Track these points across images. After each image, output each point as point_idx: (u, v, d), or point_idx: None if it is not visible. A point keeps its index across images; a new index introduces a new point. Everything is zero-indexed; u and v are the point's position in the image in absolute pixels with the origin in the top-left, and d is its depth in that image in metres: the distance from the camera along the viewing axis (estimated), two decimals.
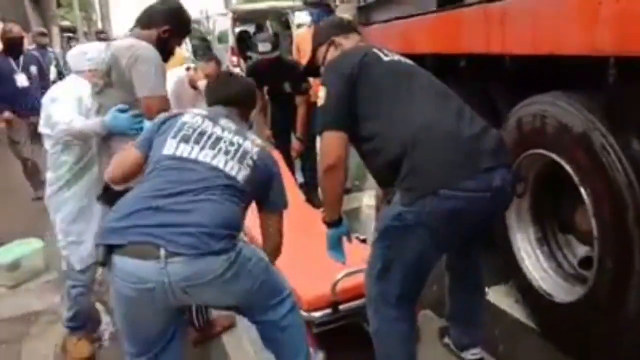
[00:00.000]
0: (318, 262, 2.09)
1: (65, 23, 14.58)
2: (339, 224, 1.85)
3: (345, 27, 2.00)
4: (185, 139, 1.61)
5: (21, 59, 4.61)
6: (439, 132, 1.61)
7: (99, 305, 3.11)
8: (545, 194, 2.35)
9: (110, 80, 2.01)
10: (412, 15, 3.24)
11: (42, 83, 4.75)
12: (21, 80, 4.55)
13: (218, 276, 1.46)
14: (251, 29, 10.11)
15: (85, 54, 2.33)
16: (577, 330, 2.06)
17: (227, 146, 1.63)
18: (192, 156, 1.58)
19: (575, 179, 1.93)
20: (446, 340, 2.20)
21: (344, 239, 1.90)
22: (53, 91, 2.36)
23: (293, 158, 4.03)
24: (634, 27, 1.58)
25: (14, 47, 4.58)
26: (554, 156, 2.04)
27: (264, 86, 3.98)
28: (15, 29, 4.71)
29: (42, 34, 7.23)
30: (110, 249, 1.43)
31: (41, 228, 3.82)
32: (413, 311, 1.84)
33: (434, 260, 1.73)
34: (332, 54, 1.94)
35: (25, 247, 3.11)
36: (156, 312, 1.51)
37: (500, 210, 1.82)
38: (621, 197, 1.75)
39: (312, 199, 3.57)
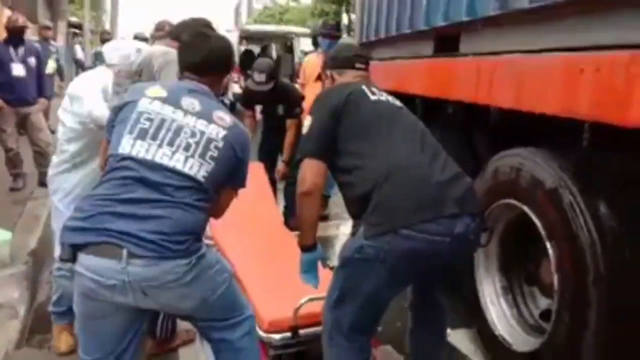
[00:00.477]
0: (285, 284, 2.09)
1: (74, 19, 14.64)
2: (314, 249, 1.87)
3: (342, 64, 2.04)
4: (142, 136, 1.54)
5: (21, 49, 4.62)
6: (409, 173, 1.66)
7: None
8: (514, 244, 2.40)
9: (140, 80, 2.07)
10: (408, 58, 3.34)
11: (39, 76, 4.75)
12: (17, 69, 4.54)
13: (178, 279, 1.47)
14: (257, 49, 10.26)
15: (118, 49, 2.36)
16: None
17: (187, 138, 1.55)
18: (149, 157, 1.52)
19: (542, 232, 1.99)
20: None
21: (319, 263, 1.92)
22: (85, 82, 2.39)
23: (277, 180, 4.06)
24: (609, 97, 1.66)
25: (15, 36, 4.60)
26: (525, 208, 2.10)
27: (256, 105, 4.04)
28: (21, 19, 4.75)
29: (47, 28, 7.29)
30: (76, 248, 1.45)
31: (12, 219, 3.78)
32: (366, 344, 1.83)
33: (389, 296, 1.74)
34: (327, 85, 2.04)
35: None
36: (114, 312, 1.50)
37: (461, 257, 1.84)
38: (583, 255, 1.80)
39: (289, 224, 3.58)
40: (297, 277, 1.92)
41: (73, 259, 1.46)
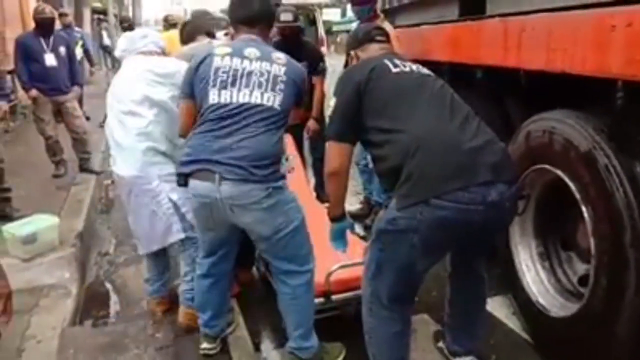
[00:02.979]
0: (317, 253, 2.16)
1: (97, 5, 14.81)
2: (342, 219, 1.98)
3: (362, 40, 2.06)
4: (224, 86, 1.93)
5: (51, 39, 4.71)
6: (437, 141, 1.64)
7: (107, 284, 3.23)
8: (549, 209, 2.37)
9: None
10: (433, 23, 3.27)
11: (70, 64, 4.86)
12: (50, 59, 4.65)
13: (257, 202, 1.86)
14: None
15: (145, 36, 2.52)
16: (570, 345, 2.08)
17: (258, 78, 1.93)
18: (234, 100, 1.91)
19: (578, 196, 1.96)
20: (440, 344, 2.23)
21: (348, 232, 2.03)
22: (170, 61, 2.44)
23: (307, 136, 4.00)
24: None
25: (45, 27, 4.69)
26: (559, 172, 2.07)
27: None
28: (47, 10, 4.83)
29: (64, 15, 7.37)
30: (186, 176, 1.93)
31: (57, 205, 3.96)
32: (406, 313, 1.88)
33: (425, 266, 1.76)
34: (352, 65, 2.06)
35: (42, 222, 3.20)
36: (216, 222, 2.01)
37: (497, 225, 1.80)
38: (620, 217, 1.77)
39: (320, 198, 3.61)
40: (328, 245, 2.03)
41: (185, 184, 1.94)
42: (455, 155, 1.62)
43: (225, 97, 1.92)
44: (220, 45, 2.08)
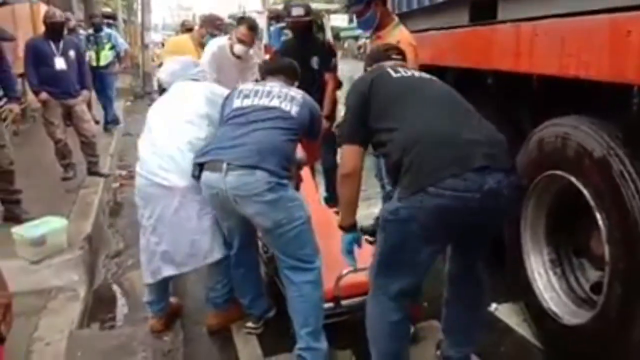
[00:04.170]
0: (326, 257, 2.18)
1: (107, 10, 14.94)
2: (353, 230, 1.99)
3: (378, 58, 2.18)
4: (246, 95, 2.24)
5: (61, 43, 4.74)
6: (437, 134, 1.70)
7: (115, 287, 3.23)
8: (562, 215, 2.35)
9: None
10: (444, 28, 3.26)
11: (79, 68, 4.89)
12: (60, 63, 4.66)
13: (258, 194, 1.97)
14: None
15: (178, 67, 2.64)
16: (582, 353, 2.05)
17: (277, 94, 2.21)
18: (254, 103, 2.19)
19: (592, 203, 1.94)
20: (438, 352, 2.21)
21: (356, 246, 2.02)
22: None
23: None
24: None
25: (55, 30, 4.72)
26: (573, 179, 2.05)
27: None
28: (58, 14, 4.86)
29: (67, 19, 7.38)
30: (201, 167, 2.11)
31: (66, 207, 3.97)
32: (406, 304, 1.87)
33: (428, 256, 1.76)
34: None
35: (51, 225, 3.21)
36: (227, 213, 2.18)
37: (496, 214, 1.76)
38: (635, 225, 1.75)
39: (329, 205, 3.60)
40: (337, 250, 2.03)
41: (198, 177, 2.13)
42: (452, 147, 1.66)
43: (247, 102, 2.21)
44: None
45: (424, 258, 1.76)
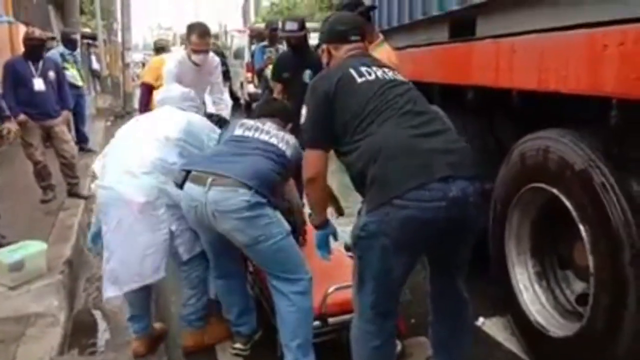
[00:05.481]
0: (313, 275, 2.14)
1: (87, 30, 14.87)
2: (325, 226, 2.01)
3: (335, 38, 2.03)
4: (248, 128, 2.31)
5: (40, 63, 4.69)
6: (398, 146, 1.68)
7: (96, 312, 3.15)
8: (545, 228, 2.37)
9: None
10: (425, 45, 3.31)
11: (59, 89, 4.82)
12: (38, 84, 4.60)
13: (237, 210, 1.99)
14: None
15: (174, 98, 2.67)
16: None
17: (275, 134, 2.28)
18: (255, 136, 2.26)
19: (575, 215, 1.96)
20: None
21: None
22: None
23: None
24: (635, 71, 1.62)
25: (34, 51, 4.67)
26: (555, 191, 2.07)
27: (284, 73, 3.93)
28: (37, 33, 4.81)
29: (49, 39, 7.30)
30: (184, 179, 2.11)
31: (46, 230, 3.88)
32: (386, 327, 1.83)
33: (401, 270, 1.73)
34: (324, 59, 2.08)
35: (30, 249, 3.12)
36: (204, 226, 2.15)
37: (465, 223, 1.72)
38: (618, 235, 1.77)
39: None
40: (324, 268, 2.03)
41: (181, 187, 2.12)
42: (415, 157, 1.65)
43: (248, 133, 2.29)
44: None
45: (398, 274, 1.73)
